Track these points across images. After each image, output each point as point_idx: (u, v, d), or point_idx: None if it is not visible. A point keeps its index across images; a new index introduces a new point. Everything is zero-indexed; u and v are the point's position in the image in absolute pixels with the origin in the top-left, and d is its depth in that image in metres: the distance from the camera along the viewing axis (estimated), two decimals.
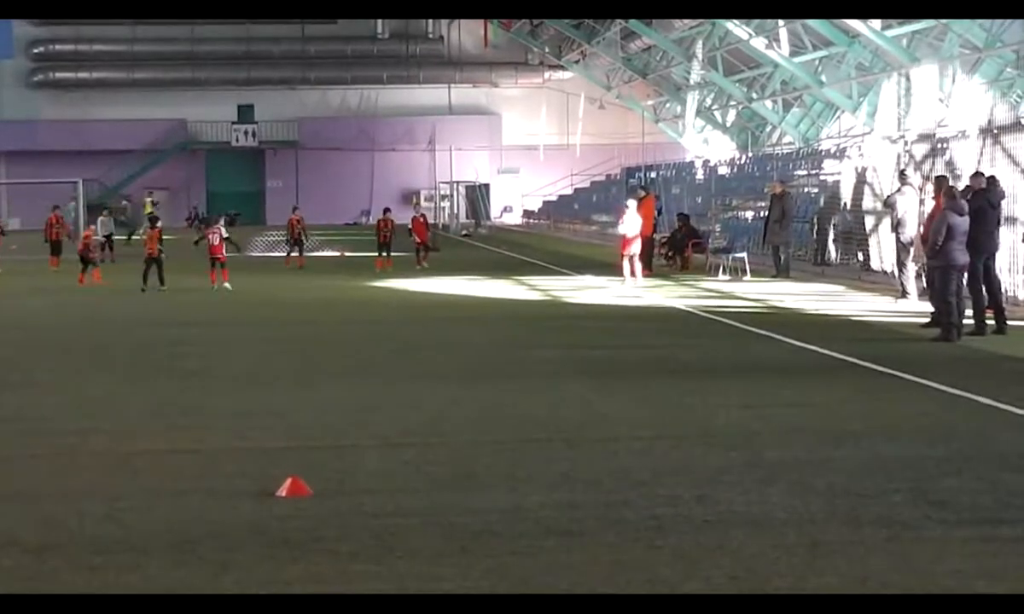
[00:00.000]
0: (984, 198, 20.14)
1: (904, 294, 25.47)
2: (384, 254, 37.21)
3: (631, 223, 31.68)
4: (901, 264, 25.84)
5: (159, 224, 32.36)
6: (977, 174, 21.51)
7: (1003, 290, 21.82)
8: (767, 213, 35.10)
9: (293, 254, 39.61)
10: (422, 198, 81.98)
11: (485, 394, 14.93)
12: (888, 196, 26.79)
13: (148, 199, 65.82)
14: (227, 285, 30.81)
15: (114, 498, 9.88)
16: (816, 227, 36.44)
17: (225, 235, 32.22)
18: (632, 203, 32.64)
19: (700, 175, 57.44)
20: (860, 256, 32.96)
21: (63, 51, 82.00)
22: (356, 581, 7.75)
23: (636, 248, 31.58)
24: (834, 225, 35.44)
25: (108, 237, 43.14)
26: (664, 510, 9.34)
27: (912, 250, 24.84)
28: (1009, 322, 20.34)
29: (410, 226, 39.41)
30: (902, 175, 27.02)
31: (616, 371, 16.82)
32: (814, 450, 11.39)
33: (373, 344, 20.24)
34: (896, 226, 25.66)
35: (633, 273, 31.18)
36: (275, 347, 19.96)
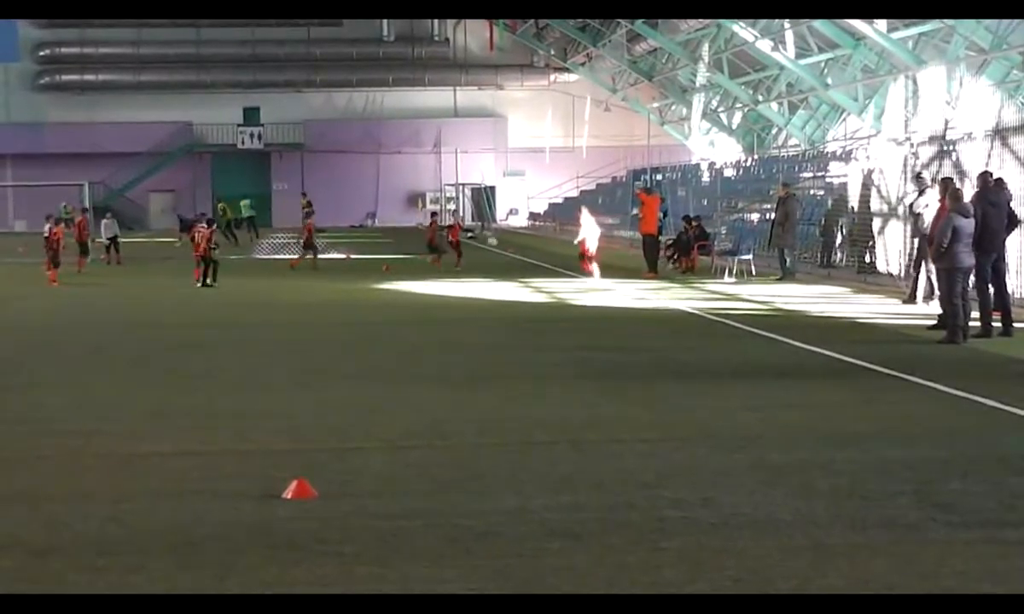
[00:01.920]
0: (985, 199, 20.08)
1: (933, 293, 25.02)
2: (437, 255, 38.74)
3: (589, 229, 33.85)
4: (930, 267, 25.23)
5: (213, 225, 33.55)
6: (984, 174, 21.45)
7: (1010, 292, 21.75)
8: (772, 215, 35.16)
9: (307, 256, 40.02)
10: (428, 200, 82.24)
11: (489, 396, 14.93)
12: (912, 202, 26.25)
13: (244, 202, 67.02)
14: (199, 284, 32.19)
15: (118, 499, 9.89)
16: (822, 229, 36.45)
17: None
18: (586, 213, 34.90)
19: (706, 177, 57.42)
20: (867, 258, 32.94)
21: (69, 54, 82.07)
22: (360, 583, 7.75)
23: (593, 248, 33.59)
24: (841, 227, 35.43)
25: (113, 239, 43.14)
26: (668, 512, 9.33)
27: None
28: (1016, 324, 20.32)
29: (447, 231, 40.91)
30: (919, 178, 26.72)
31: (621, 373, 16.81)
32: (819, 452, 11.37)
33: (377, 346, 20.24)
34: (926, 230, 24.95)
35: (591, 270, 33.09)
36: (279, 349, 19.95)
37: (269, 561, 8.23)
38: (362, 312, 25.91)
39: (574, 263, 36.74)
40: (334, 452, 11.68)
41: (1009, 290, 21.40)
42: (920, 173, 27.56)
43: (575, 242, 35.20)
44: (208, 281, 31.86)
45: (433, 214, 41.99)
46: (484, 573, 7.93)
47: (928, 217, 24.74)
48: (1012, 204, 22.03)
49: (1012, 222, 20.88)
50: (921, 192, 25.63)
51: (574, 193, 78.48)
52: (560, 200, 78.28)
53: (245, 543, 8.66)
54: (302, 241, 40.81)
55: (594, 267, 33.26)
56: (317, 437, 12.42)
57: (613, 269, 37.04)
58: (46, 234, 35.52)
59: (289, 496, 9.79)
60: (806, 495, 9.78)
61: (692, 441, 12.01)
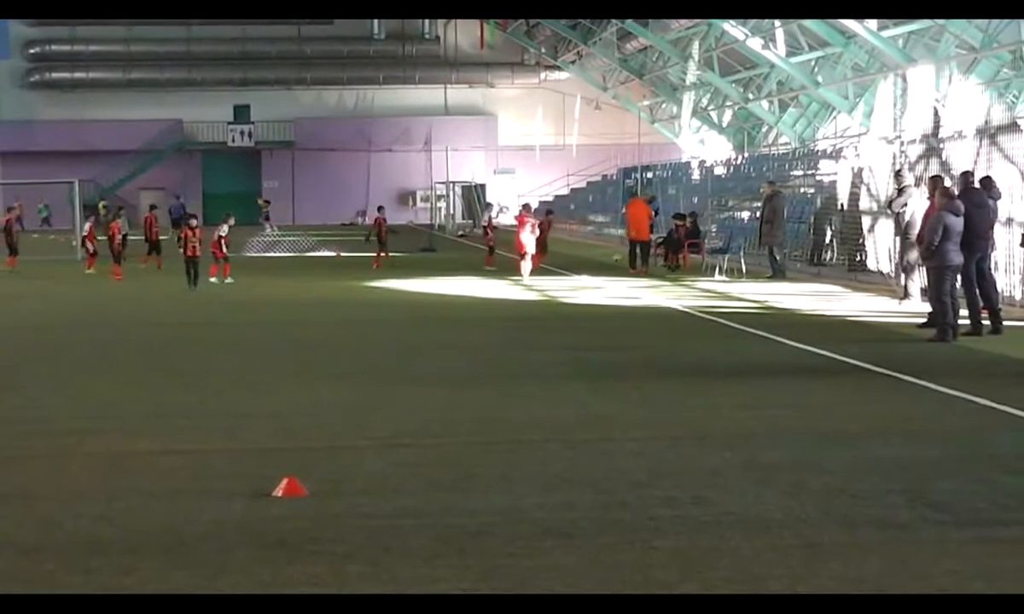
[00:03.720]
0: (969, 199, 20.03)
1: (907, 295, 25.28)
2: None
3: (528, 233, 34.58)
4: (906, 265, 25.42)
5: (194, 222, 32.71)
6: (964, 174, 21.44)
7: (1000, 290, 21.78)
8: (760, 214, 35.24)
9: (382, 254, 40.01)
10: (419, 198, 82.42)
11: (481, 395, 14.92)
12: (892, 201, 26.33)
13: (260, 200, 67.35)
14: (227, 280, 32.51)
15: (110, 499, 9.87)
16: (813, 228, 36.48)
17: (223, 234, 33.57)
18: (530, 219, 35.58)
19: (696, 175, 57.47)
20: (858, 257, 32.95)
21: (59, 51, 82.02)
22: (352, 582, 7.74)
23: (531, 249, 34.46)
24: (831, 225, 35.45)
25: (123, 237, 42.96)
26: (660, 511, 9.33)
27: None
28: (1005, 322, 20.35)
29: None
30: (898, 175, 26.80)
31: (613, 372, 16.81)
32: (810, 451, 11.38)
33: (370, 345, 20.22)
34: (906, 228, 25.07)
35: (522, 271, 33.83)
36: (272, 348, 19.95)
37: (261, 560, 8.22)
38: (354, 311, 25.88)
39: (565, 261, 36.86)
40: (326, 451, 11.67)
41: (999, 289, 21.44)
42: (900, 171, 27.54)
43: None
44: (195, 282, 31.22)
45: (490, 206, 43.00)
46: (476, 572, 7.92)
47: (907, 216, 24.76)
48: (1000, 202, 22.08)
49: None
50: (900, 191, 25.63)
51: (565, 191, 78.53)
52: (551, 198, 78.31)
53: (237, 542, 8.65)
54: (376, 238, 40.70)
55: (526, 266, 33.82)
56: (309, 436, 12.40)
57: (604, 268, 37.11)
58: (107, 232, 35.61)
59: (280, 494, 9.78)
60: (798, 494, 9.78)
61: (684, 440, 12.01)
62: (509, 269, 35.72)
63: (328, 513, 9.37)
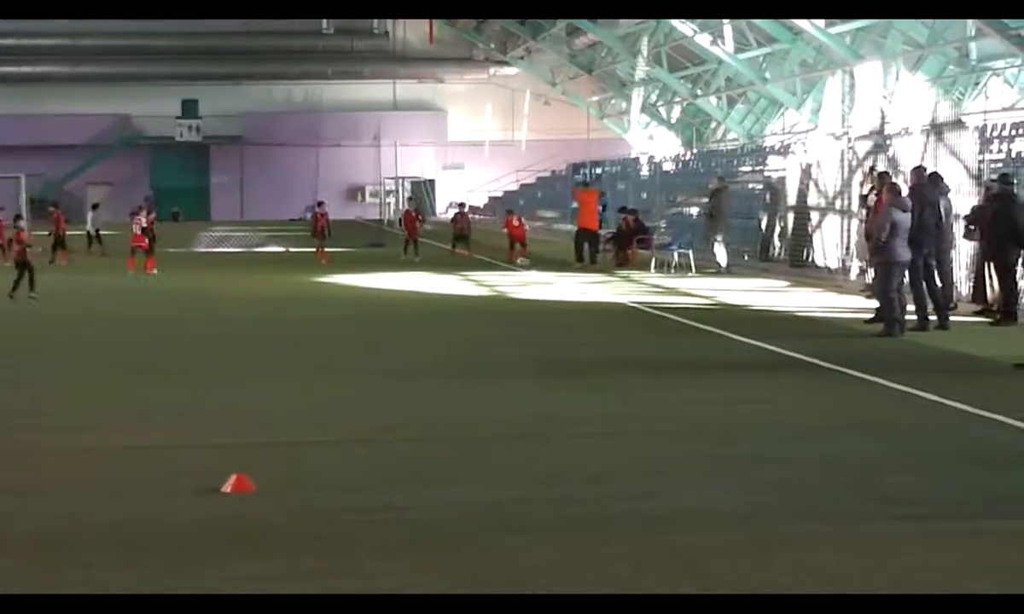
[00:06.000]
0: (921, 195, 20.21)
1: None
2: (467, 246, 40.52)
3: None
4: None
5: (22, 223, 28.49)
6: (918, 168, 21.64)
7: (950, 284, 21.95)
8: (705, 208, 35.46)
9: (323, 250, 39.91)
10: (367, 194, 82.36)
11: (436, 392, 14.95)
12: (867, 196, 26.38)
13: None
14: (154, 272, 33.23)
15: (62, 494, 9.82)
16: (762, 223, 36.66)
17: (144, 225, 34.01)
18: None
19: (645, 171, 57.61)
20: (804, 253, 33.13)
21: (6, 45, 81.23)
22: (309, 579, 7.73)
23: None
24: (778, 221, 35.63)
25: (97, 231, 42.64)
26: (615, 506, 9.39)
27: (855, 248, 24.83)
28: (952, 318, 20.54)
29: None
30: (878, 172, 26.80)
31: (565, 368, 16.85)
32: (762, 446, 11.49)
33: (324, 341, 20.16)
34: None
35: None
36: (229, 344, 19.85)
37: (215, 558, 8.19)
38: (303, 307, 25.75)
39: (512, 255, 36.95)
40: (284, 447, 11.63)
41: (949, 283, 21.62)
42: (875, 168, 27.66)
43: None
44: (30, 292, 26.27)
45: (461, 205, 43.97)
46: (431, 567, 7.94)
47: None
48: (949, 196, 22.25)
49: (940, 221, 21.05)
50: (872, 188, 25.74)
51: (514, 187, 78.55)
52: (500, 193, 78.35)
53: (191, 539, 8.61)
54: (315, 231, 40.80)
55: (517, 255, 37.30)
56: (267, 432, 12.35)
57: (552, 263, 37.16)
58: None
59: (229, 490, 9.73)
60: (749, 488, 9.87)
61: (636, 435, 12.09)
62: (463, 263, 35.78)
63: (285, 509, 9.36)
